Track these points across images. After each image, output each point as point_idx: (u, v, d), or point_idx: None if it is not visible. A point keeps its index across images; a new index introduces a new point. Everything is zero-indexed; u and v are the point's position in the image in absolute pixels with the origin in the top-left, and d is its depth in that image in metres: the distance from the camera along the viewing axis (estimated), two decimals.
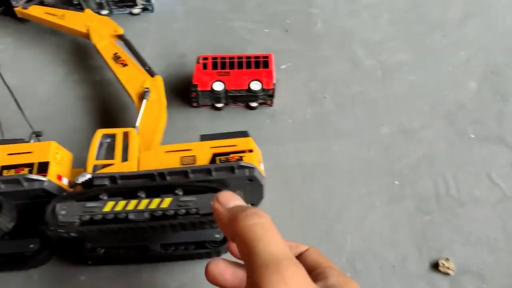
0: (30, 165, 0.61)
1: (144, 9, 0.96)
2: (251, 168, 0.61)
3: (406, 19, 0.98)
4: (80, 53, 0.93)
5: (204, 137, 0.65)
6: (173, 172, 0.61)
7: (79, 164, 0.68)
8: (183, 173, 0.61)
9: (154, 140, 0.71)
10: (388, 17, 0.98)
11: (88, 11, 0.89)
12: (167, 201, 0.58)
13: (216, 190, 0.58)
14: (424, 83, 0.89)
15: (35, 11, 0.89)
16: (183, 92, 0.86)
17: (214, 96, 0.81)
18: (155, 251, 0.67)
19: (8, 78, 0.83)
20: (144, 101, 0.74)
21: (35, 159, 0.62)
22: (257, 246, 0.38)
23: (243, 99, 0.82)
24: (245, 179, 0.62)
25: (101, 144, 0.67)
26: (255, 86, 0.79)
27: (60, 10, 0.89)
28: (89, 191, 0.60)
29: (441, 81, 0.89)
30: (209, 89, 0.80)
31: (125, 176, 0.61)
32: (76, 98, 0.87)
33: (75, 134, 0.81)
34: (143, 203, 0.58)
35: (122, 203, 0.58)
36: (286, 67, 0.90)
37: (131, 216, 0.57)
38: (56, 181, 0.61)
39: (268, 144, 0.73)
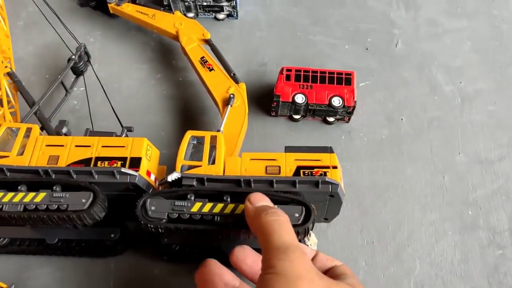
0: (123, 159, 0.64)
1: (229, 15, 0.98)
2: (335, 185, 0.62)
3: (489, 48, 0.97)
4: (164, 52, 0.95)
5: (288, 149, 0.66)
6: (258, 180, 0.62)
7: (159, 161, 0.70)
8: (268, 182, 0.62)
9: (237, 146, 0.72)
10: (470, 44, 0.97)
11: (177, 13, 0.91)
12: None
13: (300, 203, 0.60)
14: (504, 114, 0.88)
15: (128, 8, 0.92)
16: (261, 100, 0.88)
17: (294, 107, 0.82)
18: (228, 253, 0.69)
19: (95, 70, 0.87)
20: (229, 106, 0.75)
21: (128, 153, 0.64)
22: (273, 236, 0.49)
23: (322, 113, 0.83)
24: (327, 194, 0.63)
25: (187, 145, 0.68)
26: (336, 102, 0.80)
27: (151, 9, 0.91)
28: (178, 190, 0.62)
29: None
30: (290, 100, 0.81)
31: (212, 179, 0.62)
32: (158, 96, 0.89)
33: (155, 131, 0.85)
34: (229, 208, 0.60)
35: (209, 205, 0.60)
36: (365, 85, 0.90)
37: (217, 219, 0.59)
38: (146, 177, 0.64)
39: (343, 160, 0.73)
